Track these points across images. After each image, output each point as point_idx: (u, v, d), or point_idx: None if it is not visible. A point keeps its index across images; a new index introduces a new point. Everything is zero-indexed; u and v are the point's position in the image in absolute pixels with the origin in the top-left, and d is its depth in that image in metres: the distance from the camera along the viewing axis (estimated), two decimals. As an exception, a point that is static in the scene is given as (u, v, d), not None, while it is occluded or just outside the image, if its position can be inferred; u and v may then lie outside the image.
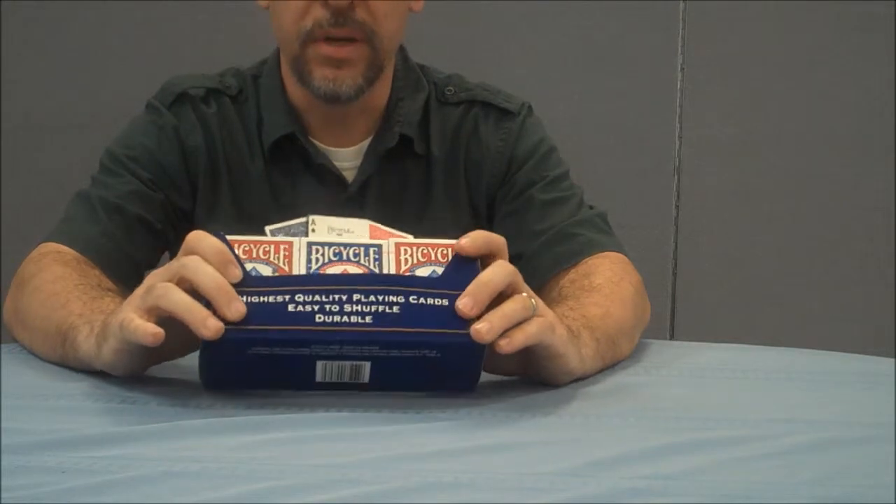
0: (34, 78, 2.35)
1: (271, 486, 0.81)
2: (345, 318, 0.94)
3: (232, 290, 0.93)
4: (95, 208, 1.32)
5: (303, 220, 1.03)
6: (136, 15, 2.34)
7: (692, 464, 0.86)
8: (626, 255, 1.33)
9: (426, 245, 0.99)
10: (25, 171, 2.35)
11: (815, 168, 2.39)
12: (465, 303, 0.94)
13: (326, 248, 0.98)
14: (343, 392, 1.00)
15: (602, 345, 1.11)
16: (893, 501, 0.80)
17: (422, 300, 0.95)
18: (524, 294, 0.98)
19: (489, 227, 1.42)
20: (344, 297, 0.94)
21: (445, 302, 0.95)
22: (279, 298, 0.94)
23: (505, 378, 1.08)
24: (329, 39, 1.31)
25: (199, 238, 0.95)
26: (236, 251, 0.96)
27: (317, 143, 1.40)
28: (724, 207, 2.40)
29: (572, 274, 1.29)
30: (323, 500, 0.79)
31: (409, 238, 1.01)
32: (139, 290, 0.97)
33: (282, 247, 0.97)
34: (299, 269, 0.97)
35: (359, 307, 0.94)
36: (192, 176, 1.39)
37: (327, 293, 0.94)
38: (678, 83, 2.37)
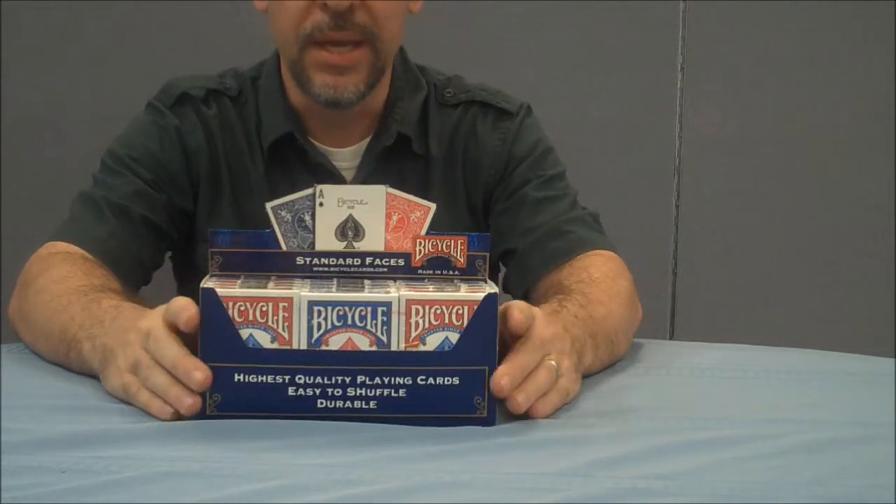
0: (34, 78, 2.35)
1: (271, 486, 0.81)
2: (348, 404, 0.92)
3: (189, 363, 0.92)
4: (102, 209, 1.32)
5: (309, 191, 0.98)
6: (137, 15, 2.34)
7: (692, 464, 0.86)
8: (617, 255, 1.33)
9: (437, 302, 0.93)
10: (25, 171, 2.35)
11: (815, 168, 2.38)
12: (505, 383, 0.93)
13: (329, 308, 0.92)
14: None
15: (601, 350, 1.12)
16: (893, 501, 0.80)
17: (430, 380, 0.92)
18: (551, 361, 0.99)
19: (486, 225, 1.42)
20: (347, 380, 0.91)
21: (456, 381, 0.92)
22: (279, 379, 0.91)
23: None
24: (329, 43, 1.30)
25: (157, 346, 0.95)
26: (230, 312, 0.91)
27: (315, 143, 1.40)
28: (724, 207, 2.40)
29: (568, 268, 1.29)
30: (323, 500, 0.79)
31: (425, 290, 0.95)
32: (129, 358, 0.97)
33: (281, 305, 0.92)
34: (299, 336, 0.92)
35: (363, 391, 0.92)
36: (193, 176, 1.39)
37: (330, 374, 0.91)
38: (678, 83, 2.37)
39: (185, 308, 0.94)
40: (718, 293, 2.40)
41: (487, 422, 0.94)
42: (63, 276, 1.18)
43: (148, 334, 0.96)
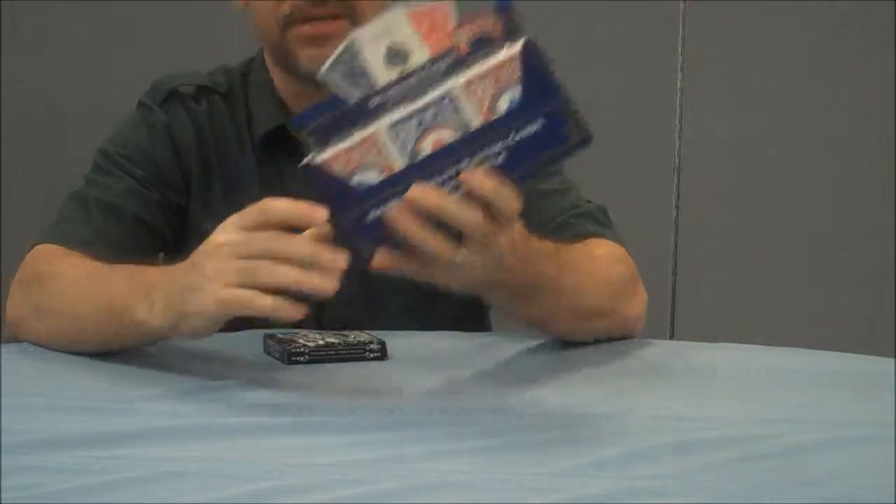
0: (35, 77, 2.35)
1: (271, 486, 0.81)
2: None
3: (324, 252, 0.97)
4: (90, 209, 1.32)
5: (343, 45, 1.01)
6: (138, 14, 2.34)
7: (692, 464, 0.86)
8: (626, 249, 1.32)
9: (488, 72, 0.98)
10: (25, 171, 2.35)
11: (815, 168, 2.38)
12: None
13: (406, 122, 0.97)
14: (346, 391, 1.00)
15: (565, 275, 1.13)
16: (893, 502, 0.80)
17: (520, 134, 0.96)
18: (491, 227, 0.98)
19: None
20: (454, 172, 0.96)
21: (540, 123, 0.96)
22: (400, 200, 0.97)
23: (505, 378, 1.08)
24: (308, 20, 1.31)
25: (266, 207, 1.00)
26: (335, 170, 0.97)
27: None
28: (724, 207, 2.40)
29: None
30: (323, 500, 0.79)
31: (473, 69, 0.98)
32: (222, 266, 1.00)
33: (370, 143, 0.98)
34: (396, 156, 0.97)
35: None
36: (184, 172, 1.39)
37: (437, 174, 0.96)
38: (678, 83, 2.37)
39: (297, 204, 1.00)
40: (718, 293, 2.40)
41: (585, 141, 0.97)
42: (79, 262, 1.19)
43: (267, 248, 0.99)
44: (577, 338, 1.22)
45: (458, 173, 0.96)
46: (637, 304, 1.27)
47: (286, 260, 0.98)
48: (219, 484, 0.81)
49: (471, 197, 0.96)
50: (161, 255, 1.41)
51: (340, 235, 0.98)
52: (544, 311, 1.15)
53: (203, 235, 1.38)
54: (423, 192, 0.95)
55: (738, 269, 2.41)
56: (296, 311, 0.98)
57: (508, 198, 0.97)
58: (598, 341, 1.21)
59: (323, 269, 0.97)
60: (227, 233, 1.02)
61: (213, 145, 1.40)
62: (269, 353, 1.14)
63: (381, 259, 0.98)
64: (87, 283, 1.14)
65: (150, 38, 2.34)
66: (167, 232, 1.38)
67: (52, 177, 2.25)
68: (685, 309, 2.40)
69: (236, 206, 1.39)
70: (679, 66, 2.37)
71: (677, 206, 2.40)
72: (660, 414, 0.99)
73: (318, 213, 0.98)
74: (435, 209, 0.95)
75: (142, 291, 1.07)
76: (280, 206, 1.00)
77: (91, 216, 1.32)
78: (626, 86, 2.36)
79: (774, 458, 0.88)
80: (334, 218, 0.98)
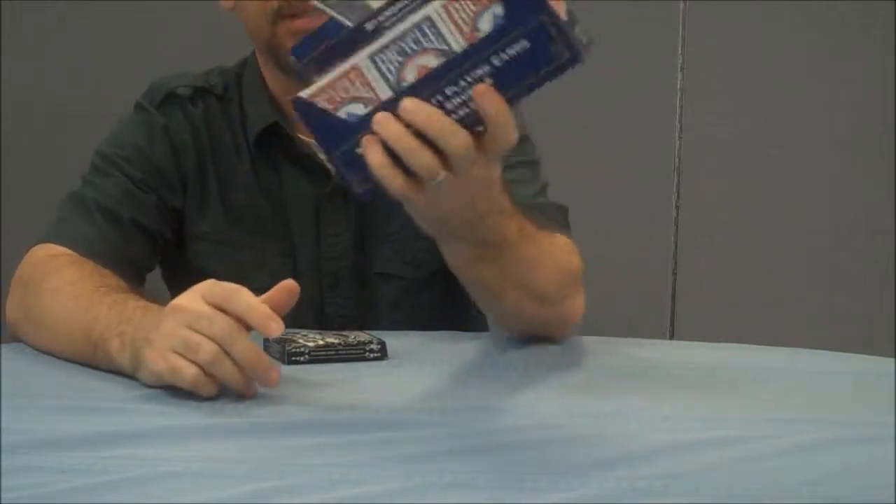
0: (35, 77, 2.35)
1: (271, 486, 0.81)
2: (454, 116, 0.93)
3: (263, 365, 0.99)
4: (91, 211, 1.33)
5: None
6: (138, 14, 2.34)
7: (692, 464, 0.86)
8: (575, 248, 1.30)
9: None
10: (26, 171, 2.35)
11: (815, 168, 2.39)
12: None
13: (387, 52, 0.94)
14: (346, 390, 1.00)
15: (524, 238, 1.11)
16: (893, 501, 0.80)
17: (505, 55, 0.92)
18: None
19: None
20: (441, 98, 0.93)
21: (526, 43, 0.91)
22: None
23: (504, 377, 1.08)
24: (297, 15, 1.31)
25: (235, 297, 0.99)
26: (322, 105, 0.95)
27: (300, 136, 1.40)
28: (724, 207, 2.40)
29: None
30: (323, 500, 0.79)
31: None
32: (172, 330, 0.99)
33: (353, 75, 0.94)
34: (383, 88, 0.94)
35: (458, 99, 0.93)
36: (181, 174, 1.40)
37: (425, 100, 0.92)
38: (678, 83, 2.37)
39: (267, 311, 0.99)
40: (718, 293, 2.40)
41: (574, 60, 0.92)
42: (78, 278, 1.19)
43: (221, 336, 0.98)
44: (516, 325, 1.21)
45: (442, 99, 0.92)
46: (577, 306, 1.24)
47: (229, 352, 0.98)
48: (219, 484, 0.81)
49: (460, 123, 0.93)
50: (159, 258, 1.41)
51: (335, 168, 0.95)
52: (498, 280, 1.12)
53: (199, 237, 1.40)
54: (416, 106, 0.92)
55: (738, 269, 2.41)
56: (214, 393, 0.99)
57: (503, 128, 0.93)
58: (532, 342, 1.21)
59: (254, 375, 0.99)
60: (191, 300, 1.01)
61: (209, 147, 1.41)
62: (268, 353, 1.15)
63: (372, 152, 0.93)
64: (80, 304, 1.14)
65: (150, 38, 2.34)
66: (167, 234, 1.38)
67: (52, 177, 2.25)
68: (685, 309, 2.40)
69: (232, 206, 1.40)
70: (679, 66, 2.37)
71: (677, 206, 2.40)
72: (660, 414, 0.99)
73: (275, 326, 0.98)
74: (425, 123, 0.91)
75: (117, 327, 1.07)
76: (246, 303, 0.99)
77: (93, 219, 1.32)
78: (626, 86, 2.36)
79: (774, 458, 0.88)
80: (327, 152, 0.96)
